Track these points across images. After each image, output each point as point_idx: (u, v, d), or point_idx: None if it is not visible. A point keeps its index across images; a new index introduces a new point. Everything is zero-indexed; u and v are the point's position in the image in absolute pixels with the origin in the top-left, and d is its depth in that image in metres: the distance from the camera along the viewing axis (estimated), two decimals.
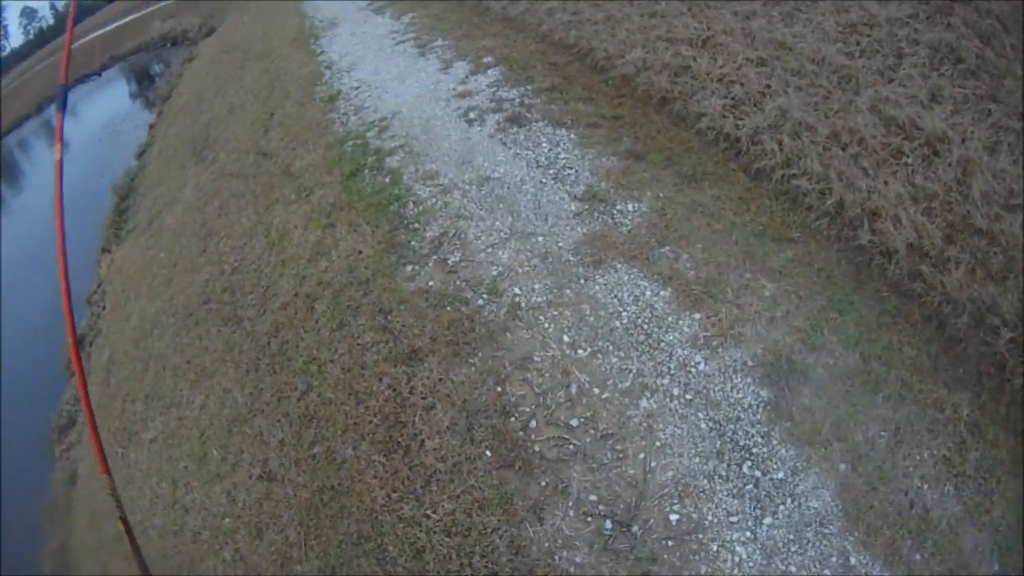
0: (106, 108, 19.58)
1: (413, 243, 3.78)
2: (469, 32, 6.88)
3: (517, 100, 4.99)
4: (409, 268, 3.62)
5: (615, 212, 3.65)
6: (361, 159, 4.85)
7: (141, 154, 9.40)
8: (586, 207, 3.72)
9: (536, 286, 3.32)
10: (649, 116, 4.40)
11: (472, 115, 4.97)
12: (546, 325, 3.12)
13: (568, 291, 3.26)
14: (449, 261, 3.58)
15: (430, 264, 3.60)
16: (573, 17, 5.96)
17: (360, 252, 3.85)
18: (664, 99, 4.40)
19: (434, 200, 4.08)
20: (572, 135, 4.40)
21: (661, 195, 3.67)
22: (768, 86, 4.00)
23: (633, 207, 3.64)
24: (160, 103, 12.39)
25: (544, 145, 4.37)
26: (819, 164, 3.39)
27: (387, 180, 4.49)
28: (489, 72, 5.65)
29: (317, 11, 11.94)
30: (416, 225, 3.91)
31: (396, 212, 4.10)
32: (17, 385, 6.58)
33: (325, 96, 6.58)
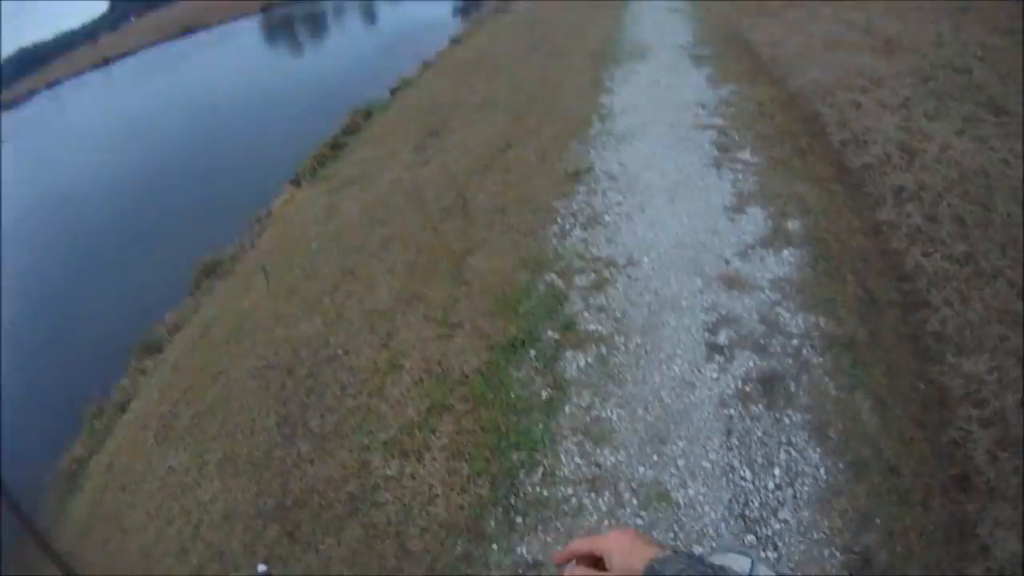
0: (423, 12, 21.17)
1: (496, 547, 2.58)
2: (788, 158, 4.96)
3: (796, 342, 3.17)
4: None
5: None
6: (540, 326, 3.60)
7: (394, 91, 9.18)
8: None
9: None
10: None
11: (722, 338, 3.29)
12: None
13: None
14: None
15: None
16: (925, 223, 3.79)
17: (436, 496, 2.79)
18: None
19: (567, 501, 2.67)
20: (825, 476, 2.53)
21: None
22: None
23: None
24: (451, 45, 12.19)
25: (776, 470, 2.58)
26: None
27: (544, 396, 3.17)
28: (784, 253, 3.84)
29: (635, 24, 10.64)
30: (520, 521, 2.66)
31: (510, 470, 2.84)
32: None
33: (572, 168, 5.44)
